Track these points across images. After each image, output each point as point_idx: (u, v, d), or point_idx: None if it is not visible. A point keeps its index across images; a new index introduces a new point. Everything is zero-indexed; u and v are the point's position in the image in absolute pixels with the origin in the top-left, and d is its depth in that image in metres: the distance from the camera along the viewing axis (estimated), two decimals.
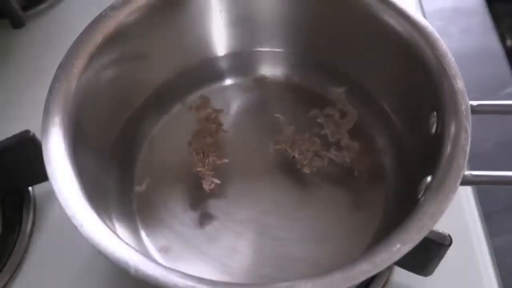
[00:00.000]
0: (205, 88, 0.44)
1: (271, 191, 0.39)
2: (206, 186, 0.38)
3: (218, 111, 0.42)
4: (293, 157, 0.40)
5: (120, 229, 0.36)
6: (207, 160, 0.39)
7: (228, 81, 0.45)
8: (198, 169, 0.39)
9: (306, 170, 0.39)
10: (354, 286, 0.31)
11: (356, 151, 0.40)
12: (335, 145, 0.40)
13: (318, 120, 0.42)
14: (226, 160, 0.40)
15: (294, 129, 0.41)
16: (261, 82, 0.44)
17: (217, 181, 0.39)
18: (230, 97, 0.44)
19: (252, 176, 0.40)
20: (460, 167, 0.30)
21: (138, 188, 0.39)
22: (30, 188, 0.41)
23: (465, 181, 0.32)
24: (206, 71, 0.44)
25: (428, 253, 0.32)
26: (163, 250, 0.37)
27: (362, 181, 0.39)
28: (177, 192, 0.39)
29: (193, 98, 0.43)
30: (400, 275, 0.37)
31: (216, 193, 0.39)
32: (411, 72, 0.37)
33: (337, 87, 0.42)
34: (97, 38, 0.36)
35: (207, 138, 0.41)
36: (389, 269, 0.37)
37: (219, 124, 0.42)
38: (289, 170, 0.40)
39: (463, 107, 0.32)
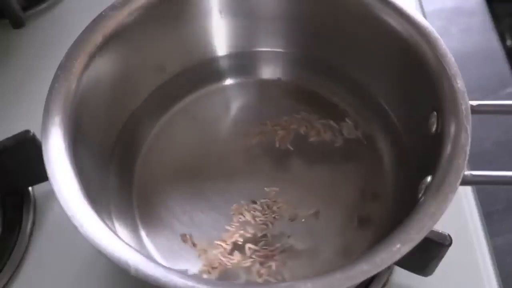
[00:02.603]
0: (205, 88, 0.44)
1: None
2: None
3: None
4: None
5: (120, 229, 0.36)
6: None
7: (228, 81, 0.45)
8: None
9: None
10: (354, 286, 0.31)
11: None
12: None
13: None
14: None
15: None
16: (261, 82, 0.44)
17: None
18: (230, 97, 0.44)
19: (252, 176, 0.40)
20: (460, 167, 0.30)
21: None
22: (30, 188, 0.41)
23: (465, 181, 0.32)
24: (206, 71, 0.44)
25: (428, 253, 0.32)
26: (164, 250, 0.37)
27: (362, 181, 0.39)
28: (177, 192, 0.39)
29: (192, 98, 0.43)
30: (400, 275, 0.37)
31: (216, 192, 0.39)
32: (411, 72, 0.37)
33: (337, 87, 0.43)
34: (97, 38, 0.36)
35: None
36: (389, 269, 0.37)
37: None
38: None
39: (463, 107, 0.32)
